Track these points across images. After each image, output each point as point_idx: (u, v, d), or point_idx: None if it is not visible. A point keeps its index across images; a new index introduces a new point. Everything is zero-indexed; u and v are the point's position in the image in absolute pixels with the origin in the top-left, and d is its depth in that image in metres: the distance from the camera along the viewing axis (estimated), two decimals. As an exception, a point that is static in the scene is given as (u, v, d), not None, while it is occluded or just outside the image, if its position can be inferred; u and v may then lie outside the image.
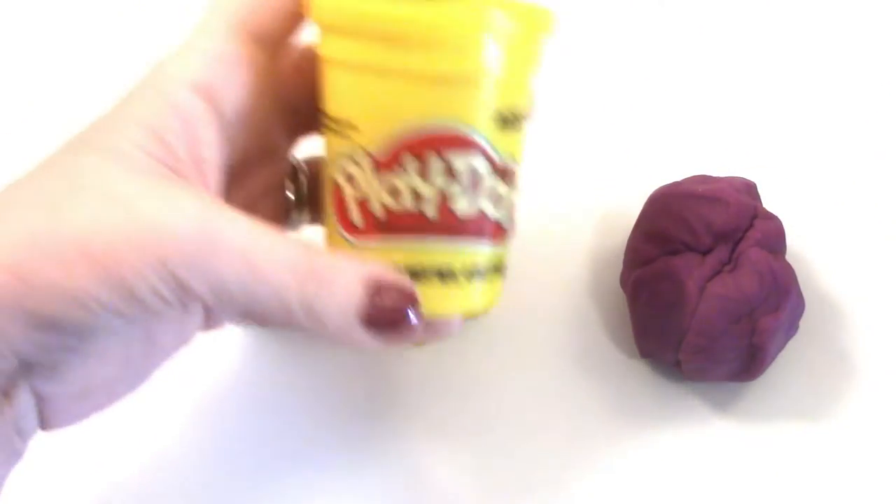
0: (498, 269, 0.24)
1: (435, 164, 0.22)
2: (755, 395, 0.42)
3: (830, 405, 0.42)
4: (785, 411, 0.42)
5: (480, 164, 0.22)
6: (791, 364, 0.43)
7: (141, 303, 0.26)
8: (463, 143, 0.22)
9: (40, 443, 0.32)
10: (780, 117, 0.50)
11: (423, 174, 0.22)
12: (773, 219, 0.40)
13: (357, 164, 0.23)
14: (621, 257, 0.43)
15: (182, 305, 0.27)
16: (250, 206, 0.32)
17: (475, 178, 0.22)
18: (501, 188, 0.23)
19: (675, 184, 0.42)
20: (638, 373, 0.43)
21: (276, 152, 0.33)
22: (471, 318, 0.25)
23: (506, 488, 0.41)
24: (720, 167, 0.46)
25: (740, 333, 0.38)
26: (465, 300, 0.24)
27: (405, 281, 0.25)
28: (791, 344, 0.42)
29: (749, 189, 0.42)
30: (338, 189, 0.24)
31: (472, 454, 0.41)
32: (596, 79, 0.51)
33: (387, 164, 0.22)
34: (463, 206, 0.23)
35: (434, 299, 0.24)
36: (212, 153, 0.28)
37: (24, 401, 0.28)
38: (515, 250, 0.46)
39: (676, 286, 0.39)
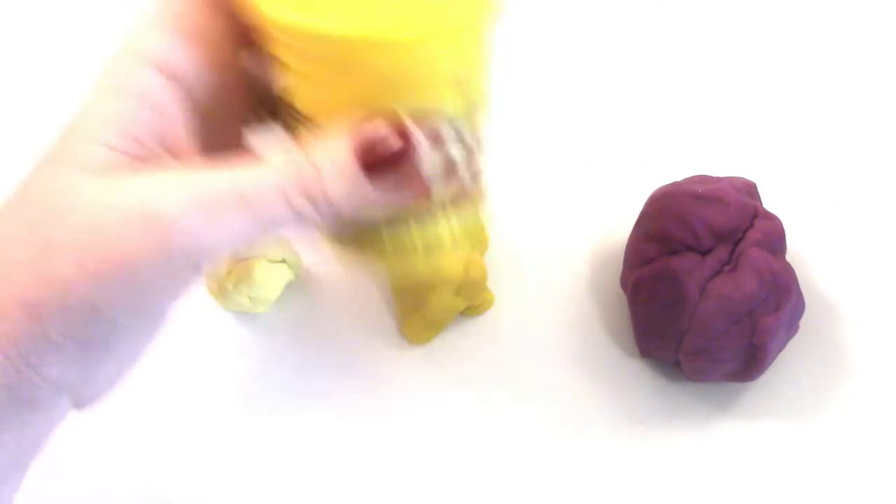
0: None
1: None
2: (755, 395, 0.42)
3: (830, 405, 0.42)
4: (785, 411, 0.42)
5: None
6: (791, 364, 0.43)
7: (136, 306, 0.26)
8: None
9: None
10: (780, 117, 0.50)
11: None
12: (773, 219, 0.40)
13: None
14: (621, 257, 0.43)
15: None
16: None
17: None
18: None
19: (675, 184, 0.42)
20: (638, 373, 0.43)
21: (253, 115, 0.32)
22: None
23: (506, 487, 0.41)
24: (720, 167, 0.46)
25: (740, 333, 0.38)
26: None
27: (392, 117, 0.27)
28: (791, 344, 0.42)
29: (749, 189, 0.42)
30: None
31: (472, 453, 0.41)
32: (596, 79, 0.51)
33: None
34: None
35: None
36: (182, 131, 0.28)
37: (62, 406, 0.29)
38: (516, 250, 0.46)
39: (676, 286, 0.39)
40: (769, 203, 0.43)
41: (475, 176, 0.29)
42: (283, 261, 0.44)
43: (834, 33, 0.52)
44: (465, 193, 0.29)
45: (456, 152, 0.27)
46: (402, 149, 0.27)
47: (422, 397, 0.43)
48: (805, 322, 0.42)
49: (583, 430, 0.42)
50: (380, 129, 0.27)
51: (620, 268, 0.43)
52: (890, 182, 0.48)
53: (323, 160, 0.27)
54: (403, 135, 0.27)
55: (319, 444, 0.42)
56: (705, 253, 0.39)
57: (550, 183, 0.48)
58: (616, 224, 0.46)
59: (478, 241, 0.44)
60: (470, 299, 0.43)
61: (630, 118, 0.50)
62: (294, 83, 0.27)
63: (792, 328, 0.41)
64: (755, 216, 0.40)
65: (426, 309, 0.42)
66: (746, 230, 0.40)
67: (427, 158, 0.27)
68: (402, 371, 0.43)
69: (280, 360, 0.43)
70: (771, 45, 0.52)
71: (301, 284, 0.45)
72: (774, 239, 0.40)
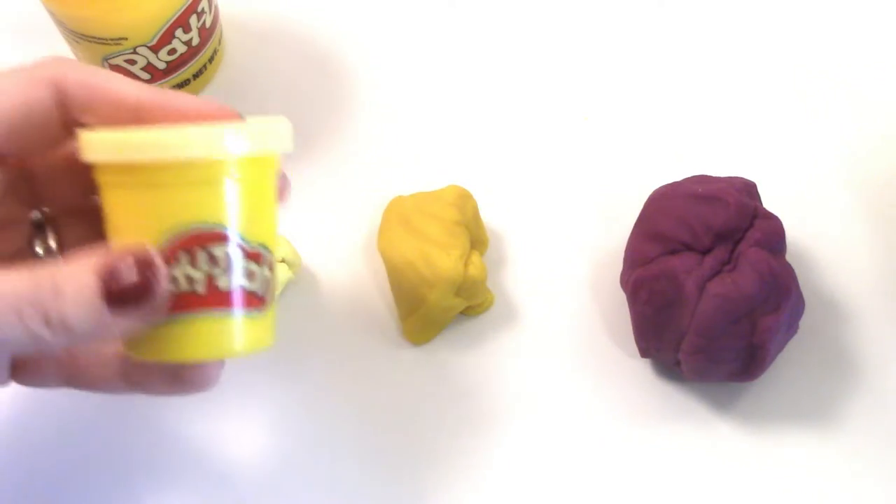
0: (258, 325, 0.31)
1: (201, 255, 0.29)
2: (755, 395, 0.42)
3: (830, 405, 0.42)
4: (785, 411, 0.42)
5: (235, 251, 0.29)
6: (791, 364, 0.43)
7: None
8: (220, 238, 0.29)
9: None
10: (781, 117, 0.50)
11: (193, 264, 0.29)
12: (773, 219, 0.40)
13: None
14: (621, 257, 0.43)
15: None
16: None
17: (232, 262, 0.29)
18: (254, 267, 0.30)
19: (675, 184, 0.42)
20: (638, 373, 0.43)
21: (14, 222, 0.34)
22: (232, 356, 0.32)
23: (506, 487, 0.41)
24: (720, 167, 0.46)
25: (740, 333, 0.38)
26: (229, 346, 0.31)
27: (138, 248, 0.28)
28: (791, 344, 0.42)
29: (749, 189, 0.42)
30: None
31: (472, 453, 0.41)
32: (596, 79, 0.51)
33: (165, 259, 0.29)
34: (223, 283, 0.29)
35: (203, 346, 0.30)
36: None
37: None
38: (516, 250, 0.46)
39: (676, 286, 0.39)
40: (769, 203, 0.43)
41: (265, 287, 0.31)
42: (283, 260, 0.44)
43: (834, 33, 0.52)
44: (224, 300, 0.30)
45: (200, 275, 0.29)
46: (143, 281, 0.28)
47: (422, 397, 0.43)
48: (805, 322, 0.42)
49: (582, 430, 0.42)
50: (126, 258, 0.28)
51: (620, 268, 0.43)
52: (890, 182, 0.48)
53: (65, 282, 0.28)
54: (149, 265, 0.28)
55: (319, 443, 0.42)
56: (705, 253, 0.39)
57: (550, 183, 0.48)
58: (616, 224, 0.46)
59: (477, 241, 0.44)
60: (470, 299, 0.43)
61: (630, 118, 0.50)
62: (118, 204, 0.30)
63: (792, 328, 0.41)
64: (755, 216, 0.40)
65: (426, 309, 0.42)
66: (746, 230, 0.40)
67: (166, 288, 0.29)
68: (402, 371, 0.43)
69: (279, 360, 0.43)
70: (771, 45, 0.52)
71: (301, 284, 0.45)
72: (774, 239, 0.40)
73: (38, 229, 0.35)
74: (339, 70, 0.51)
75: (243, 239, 0.30)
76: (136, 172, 0.29)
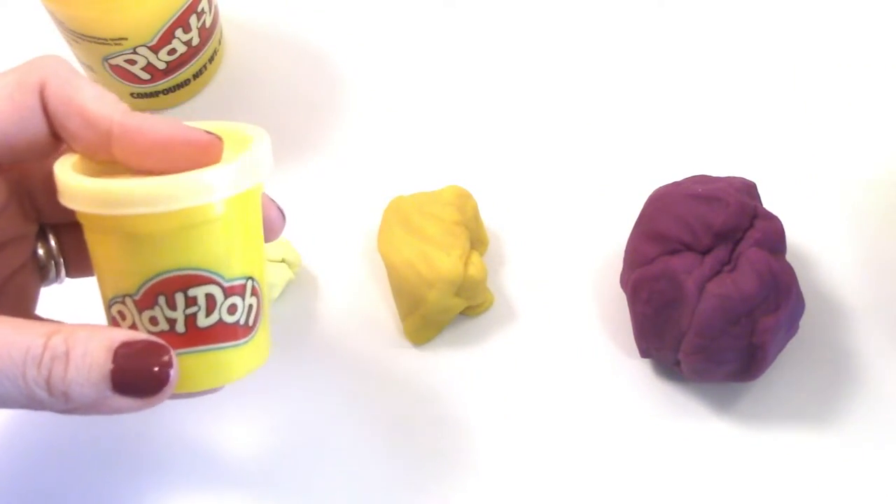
0: (246, 351, 0.32)
1: (179, 298, 0.29)
2: (755, 395, 0.42)
3: (830, 405, 0.42)
4: (785, 411, 0.42)
5: (214, 290, 0.30)
6: (791, 364, 0.43)
7: None
8: (197, 280, 0.29)
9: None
10: (780, 117, 0.50)
11: (172, 306, 0.29)
12: (773, 219, 0.40)
13: (124, 304, 0.30)
14: (621, 257, 0.43)
15: None
16: (2, 285, 0.33)
17: (211, 301, 0.30)
18: (235, 300, 0.30)
19: (675, 184, 0.42)
20: (638, 373, 0.43)
21: (19, 237, 0.34)
22: (220, 386, 0.32)
23: (505, 486, 0.41)
24: (720, 167, 0.46)
25: (740, 333, 0.38)
26: (218, 377, 0.31)
27: (152, 338, 0.29)
28: (791, 344, 0.42)
29: (749, 189, 0.42)
30: (115, 322, 0.31)
31: (472, 453, 0.41)
32: (596, 79, 0.51)
33: (145, 303, 0.29)
34: (204, 322, 0.30)
35: (188, 381, 0.30)
36: None
37: None
38: (516, 250, 0.46)
39: (676, 286, 0.39)
40: (769, 203, 0.43)
41: (248, 315, 0.31)
42: (283, 260, 0.44)
43: (834, 33, 0.52)
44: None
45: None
46: (156, 376, 0.28)
47: (421, 397, 0.43)
48: (805, 322, 0.42)
49: (582, 430, 0.42)
50: (142, 346, 0.28)
51: (620, 268, 0.43)
52: (890, 182, 0.48)
53: (77, 356, 0.27)
54: (165, 363, 0.28)
55: (319, 443, 0.42)
56: (705, 253, 0.39)
57: (550, 183, 0.48)
58: (616, 224, 0.46)
59: (477, 241, 0.44)
60: (470, 299, 0.43)
61: (630, 118, 0.50)
62: (99, 249, 0.30)
63: (792, 328, 0.41)
64: (755, 216, 0.40)
65: (426, 309, 0.42)
66: (746, 230, 0.40)
67: (174, 384, 0.29)
68: (402, 371, 0.43)
69: (279, 360, 0.43)
70: (771, 44, 0.52)
71: (301, 284, 0.45)
72: (774, 239, 0.40)
73: (40, 232, 0.35)
74: (339, 70, 0.51)
75: (223, 277, 0.30)
76: (113, 221, 0.29)
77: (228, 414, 0.42)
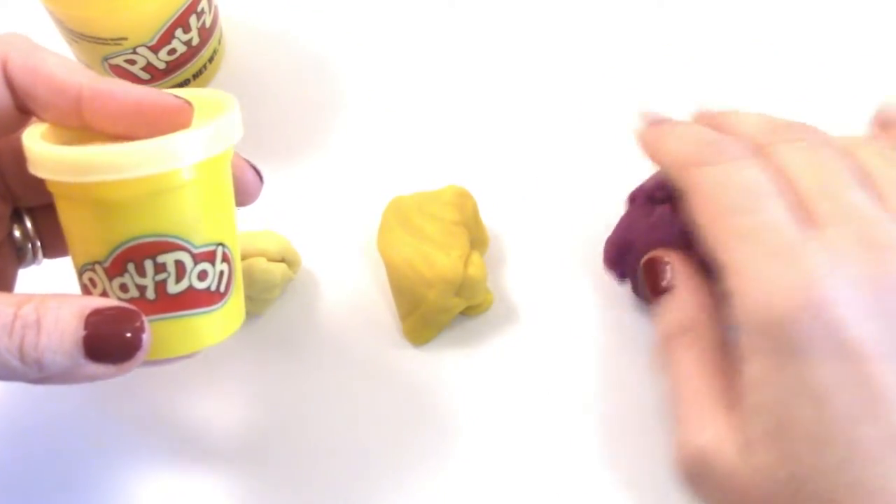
0: (218, 317, 0.32)
1: (148, 265, 0.29)
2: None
3: (830, 405, 0.42)
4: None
5: (183, 256, 0.30)
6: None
7: None
8: (166, 247, 0.29)
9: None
10: (780, 116, 0.50)
11: (141, 273, 0.29)
12: None
13: (94, 272, 0.30)
14: (621, 257, 0.43)
15: None
16: None
17: (180, 267, 0.30)
18: (206, 266, 0.30)
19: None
20: (638, 373, 0.43)
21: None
22: (193, 352, 0.32)
23: (506, 486, 0.41)
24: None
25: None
26: (191, 343, 0.32)
27: (123, 304, 0.29)
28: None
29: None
30: (87, 289, 0.31)
31: (472, 453, 0.41)
32: (597, 79, 0.51)
33: (114, 270, 0.29)
34: (174, 288, 0.30)
35: (161, 348, 0.31)
36: None
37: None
38: (516, 250, 0.46)
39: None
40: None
41: (220, 281, 0.31)
42: (283, 260, 0.44)
43: (834, 33, 0.52)
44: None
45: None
46: (128, 341, 0.28)
47: (421, 397, 0.43)
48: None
49: (583, 430, 0.42)
50: (114, 313, 0.28)
51: (620, 268, 0.43)
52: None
53: (48, 323, 0.27)
54: (137, 328, 0.28)
55: (318, 443, 0.42)
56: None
57: (551, 183, 0.48)
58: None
59: (477, 241, 0.44)
60: (470, 299, 0.43)
61: (631, 118, 0.50)
62: (68, 217, 0.31)
63: None
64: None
65: (426, 309, 0.42)
66: None
67: (147, 349, 0.29)
68: (402, 371, 0.43)
69: (279, 360, 0.43)
70: (770, 44, 0.52)
71: (301, 284, 0.45)
72: None
73: (15, 213, 0.35)
74: (338, 70, 0.51)
75: (192, 244, 0.30)
76: (81, 188, 0.29)
77: (227, 412, 0.42)
